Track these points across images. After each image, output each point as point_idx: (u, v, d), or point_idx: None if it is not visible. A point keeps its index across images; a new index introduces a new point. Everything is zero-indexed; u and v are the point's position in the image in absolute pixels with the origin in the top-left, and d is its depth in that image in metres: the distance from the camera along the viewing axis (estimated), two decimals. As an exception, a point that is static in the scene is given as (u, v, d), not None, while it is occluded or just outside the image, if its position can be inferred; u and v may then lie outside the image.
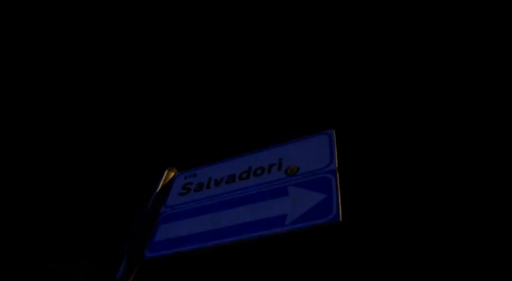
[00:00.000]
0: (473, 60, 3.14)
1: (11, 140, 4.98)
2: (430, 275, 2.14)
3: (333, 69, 3.78)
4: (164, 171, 2.02)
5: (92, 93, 4.93)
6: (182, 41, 4.82)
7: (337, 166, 1.65)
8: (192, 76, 4.66)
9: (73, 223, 4.19)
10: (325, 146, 1.78)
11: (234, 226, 1.60)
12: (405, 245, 2.23)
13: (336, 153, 1.72)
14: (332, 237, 2.32)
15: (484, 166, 2.48)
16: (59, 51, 5.13)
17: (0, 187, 4.71)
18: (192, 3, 4.95)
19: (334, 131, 1.83)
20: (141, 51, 4.92)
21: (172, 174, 2.03)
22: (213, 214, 1.69)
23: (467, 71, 3.11)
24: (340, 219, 1.42)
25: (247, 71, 4.37)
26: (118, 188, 4.04)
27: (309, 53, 4.08)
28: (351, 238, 2.30)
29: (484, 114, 2.76)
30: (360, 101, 3.29)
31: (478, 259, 2.14)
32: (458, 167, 2.54)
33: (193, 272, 2.44)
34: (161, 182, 1.96)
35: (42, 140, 4.85)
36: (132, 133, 4.47)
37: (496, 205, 2.28)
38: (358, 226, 2.29)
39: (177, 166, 2.08)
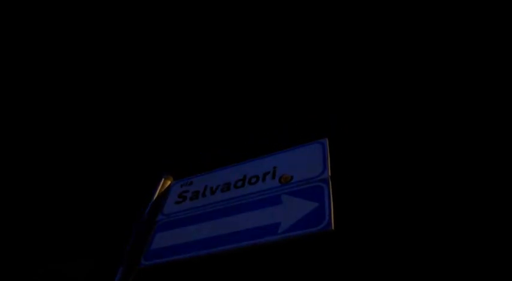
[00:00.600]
0: (470, 67, 3.16)
1: (11, 140, 5.00)
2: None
3: (330, 73, 3.80)
4: (161, 179, 2.05)
5: (93, 99, 4.95)
6: (179, 47, 4.83)
7: (330, 174, 1.69)
8: (187, 85, 4.68)
9: (73, 223, 4.22)
10: (319, 154, 1.81)
11: (228, 234, 1.63)
12: (397, 254, 2.26)
13: (329, 162, 1.76)
14: (324, 245, 2.35)
15: (477, 176, 2.51)
16: (56, 54, 5.14)
17: (0, 187, 4.74)
18: (191, 3, 4.95)
19: (327, 140, 1.87)
20: (137, 58, 4.93)
21: (168, 182, 2.06)
22: (208, 222, 1.73)
23: (463, 77, 3.13)
24: (333, 227, 1.45)
25: (243, 75, 4.39)
26: (117, 189, 4.07)
27: (307, 56, 4.10)
28: (343, 246, 2.34)
29: (482, 125, 2.79)
30: (353, 110, 3.31)
31: (471, 267, 2.18)
32: (452, 174, 2.57)
33: (188, 281, 2.48)
34: (158, 190, 2.00)
35: (42, 141, 4.87)
36: (132, 140, 4.50)
37: (490, 220, 2.31)
38: (350, 235, 2.32)
39: (173, 174, 2.11)
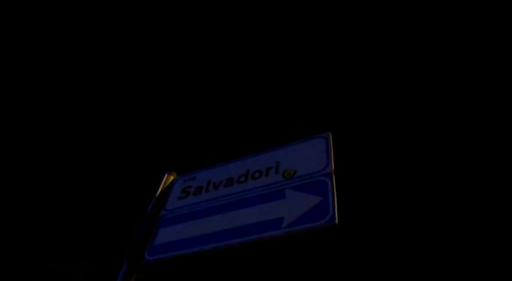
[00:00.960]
0: (468, 66, 3.17)
1: (11, 140, 4.99)
2: (426, 277, 2.17)
3: (331, 71, 3.80)
4: (164, 175, 2.05)
5: (94, 97, 4.94)
6: (180, 46, 4.83)
7: (333, 168, 1.68)
8: (189, 81, 4.67)
9: (73, 223, 4.21)
10: (322, 149, 1.80)
11: (232, 228, 1.62)
12: (401, 248, 2.26)
13: (333, 156, 1.75)
14: (328, 239, 2.35)
15: (479, 172, 2.51)
16: (57, 54, 5.13)
17: (1, 187, 4.72)
18: (191, 3, 4.95)
19: (330, 134, 1.86)
20: (139, 56, 4.93)
21: (171, 178, 2.06)
22: (211, 217, 1.72)
23: (465, 75, 3.14)
24: (336, 221, 1.45)
25: (245, 73, 4.39)
26: (118, 190, 4.06)
27: (308, 55, 4.10)
28: (346, 240, 2.33)
29: (486, 122, 2.79)
30: (356, 104, 3.31)
31: (475, 263, 2.17)
32: (455, 168, 2.57)
33: (192, 275, 2.47)
34: (161, 186, 1.99)
35: (42, 141, 4.86)
36: (133, 137, 4.50)
37: (493, 217, 2.31)
38: (354, 229, 2.32)
39: (176, 170, 2.11)
